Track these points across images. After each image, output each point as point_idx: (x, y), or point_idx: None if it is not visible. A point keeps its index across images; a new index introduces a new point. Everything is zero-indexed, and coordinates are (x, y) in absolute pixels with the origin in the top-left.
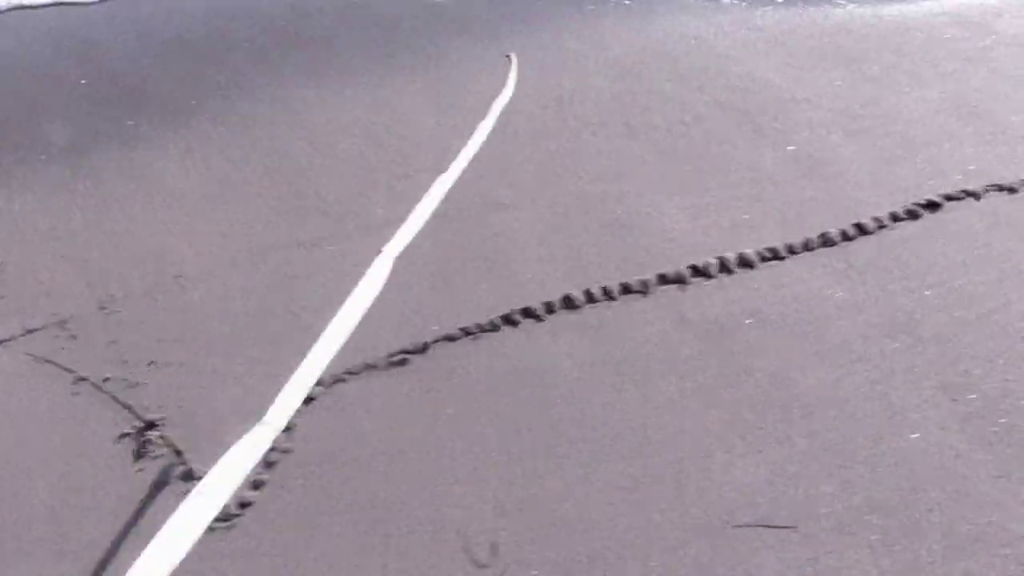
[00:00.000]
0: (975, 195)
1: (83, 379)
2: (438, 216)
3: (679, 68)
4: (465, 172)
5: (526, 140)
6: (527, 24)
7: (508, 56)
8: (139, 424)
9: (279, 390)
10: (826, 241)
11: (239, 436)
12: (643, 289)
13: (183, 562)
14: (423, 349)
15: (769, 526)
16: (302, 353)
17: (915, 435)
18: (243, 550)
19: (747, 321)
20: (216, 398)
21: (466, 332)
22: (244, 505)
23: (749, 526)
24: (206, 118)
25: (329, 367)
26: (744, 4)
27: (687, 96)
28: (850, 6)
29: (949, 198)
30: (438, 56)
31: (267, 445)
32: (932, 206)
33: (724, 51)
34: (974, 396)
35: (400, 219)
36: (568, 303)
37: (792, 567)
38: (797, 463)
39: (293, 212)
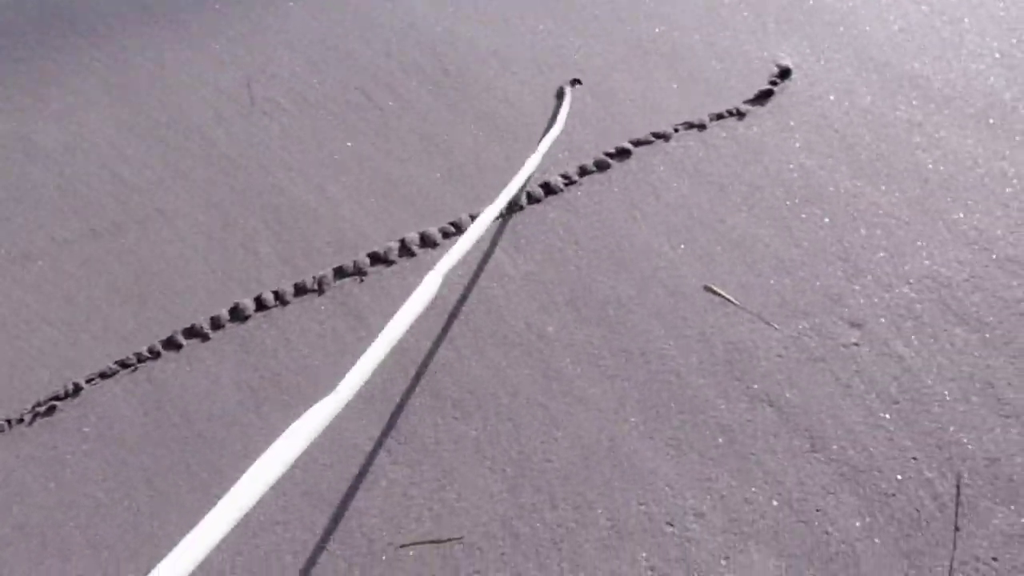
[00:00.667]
0: (665, 137)
1: None
2: (74, 239)
3: (372, 32)
4: (114, 185)
5: (197, 134)
6: None
7: (563, 88)
8: None
9: None
10: (512, 207)
11: None
12: (318, 287)
13: None
14: (74, 392)
15: (435, 541)
16: None
17: (586, 415)
18: None
19: (423, 310)
20: None
21: (123, 365)
22: None
23: (415, 544)
24: None
25: None
26: None
27: (379, 63)
28: None
29: (638, 143)
30: (113, 42)
31: (334, 414)
32: (622, 153)
33: (421, 9)
34: (639, 369)
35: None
36: (236, 315)
37: None
38: (465, 464)
39: None
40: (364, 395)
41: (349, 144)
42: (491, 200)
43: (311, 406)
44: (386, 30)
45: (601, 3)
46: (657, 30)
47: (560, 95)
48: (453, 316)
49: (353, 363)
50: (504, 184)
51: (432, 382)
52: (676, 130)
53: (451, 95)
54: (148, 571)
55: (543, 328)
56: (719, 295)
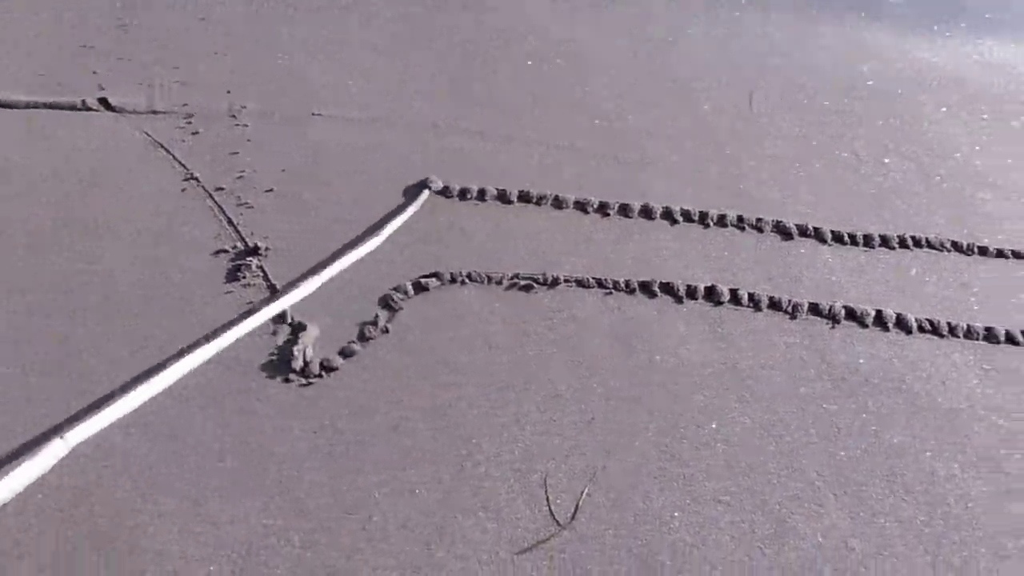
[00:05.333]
0: None
1: (195, 179)
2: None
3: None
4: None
5: (691, 112)
6: None
7: (428, 184)
8: (241, 246)
9: None
10: (990, 336)
11: (341, 296)
12: (791, 311)
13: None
14: (552, 283)
15: None
16: None
17: None
18: (312, 408)
19: (888, 383)
20: (328, 249)
21: (600, 284)
22: (329, 369)
23: None
24: None
25: None
26: None
27: (866, 122)
28: None
29: None
30: None
31: None
32: None
33: None
34: None
35: None
36: (711, 295)
37: None
38: (897, 540)
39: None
40: None
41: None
42: None
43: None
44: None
45: None
46: None
47: (417, 191)
48: (917, 405)
49: None
50: None
51: (881, 455)
52: None
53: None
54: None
55: (998, 458)
56: None
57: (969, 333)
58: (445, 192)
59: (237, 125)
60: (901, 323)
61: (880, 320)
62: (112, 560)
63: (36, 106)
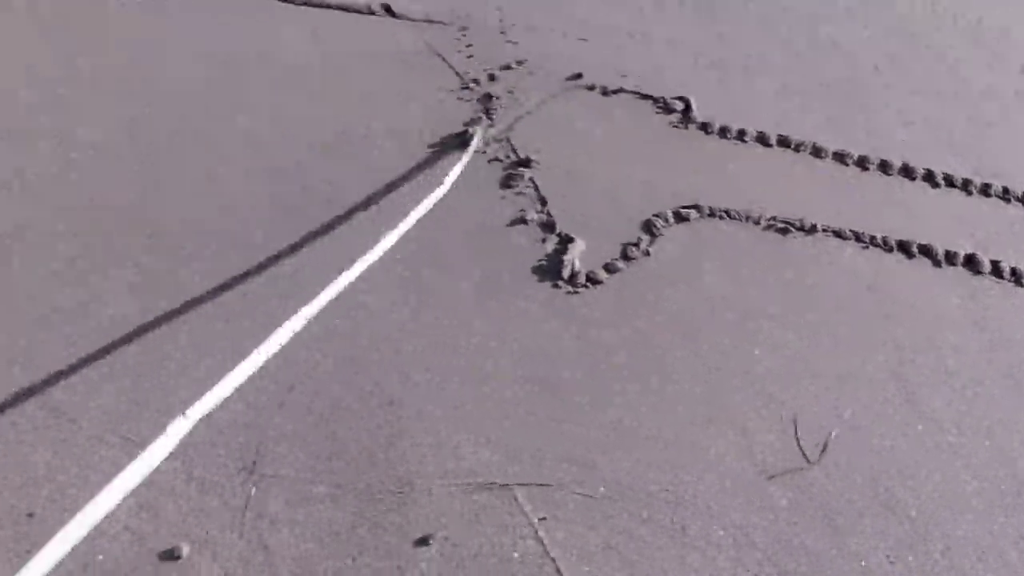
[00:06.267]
0: None
1: (470, 88)
2: None
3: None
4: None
5: None
6: None
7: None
8: (514, 157)
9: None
10: None
11: (605, 216)
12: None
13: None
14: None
15: None
16: None
17: None
18: (575, 313)
19: None
20: (590, 166)
21: (857, 237)
22: (594, 281)
23: None
24: None
25: None
26: None
27: None
28: None
29: None
30: None
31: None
32: None
33: None
34: None
35: None
36: (971, 263)
37: None
38: None
39: None
40: None
41: None
42: None
43: None
44: None
45: None
46: None
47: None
48: None
49: None
50: None
51: None
52: None
53: None
54: None
55: None
56: None
57: None
58: (705, 128)
59: (508, 42)
60: None
61: None
62: (380, 418)
63: (325, 6)
